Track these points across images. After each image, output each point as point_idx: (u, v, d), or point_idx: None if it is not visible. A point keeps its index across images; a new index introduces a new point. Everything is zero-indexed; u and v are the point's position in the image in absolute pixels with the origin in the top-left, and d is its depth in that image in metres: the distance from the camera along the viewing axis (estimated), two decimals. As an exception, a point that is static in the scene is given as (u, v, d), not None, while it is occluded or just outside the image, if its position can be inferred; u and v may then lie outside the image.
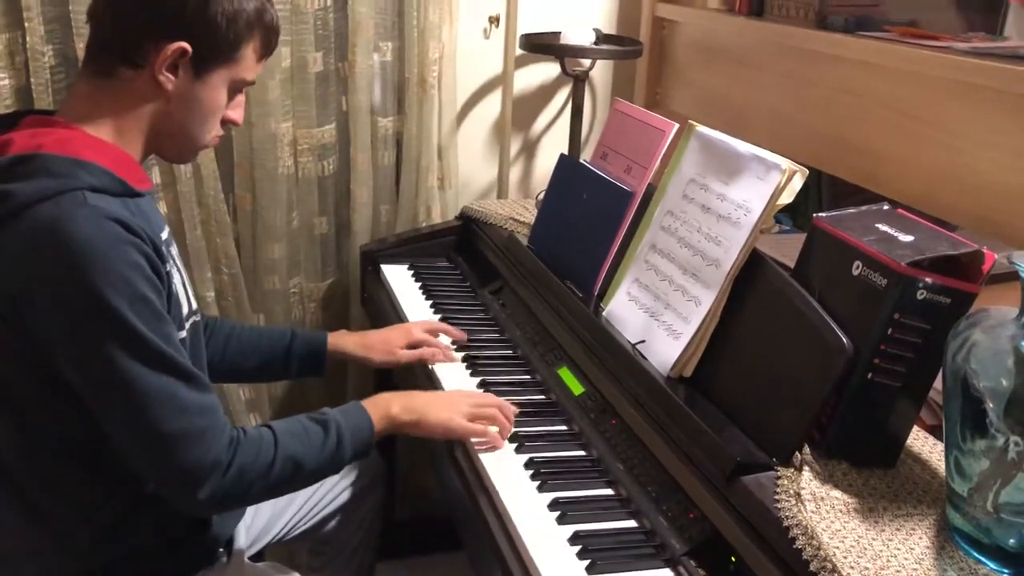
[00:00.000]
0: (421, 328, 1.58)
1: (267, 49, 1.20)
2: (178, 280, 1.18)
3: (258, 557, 1.52)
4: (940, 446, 1.11)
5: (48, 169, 1.04)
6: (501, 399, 1.35)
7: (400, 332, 1.57)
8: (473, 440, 1.29)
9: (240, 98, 1.22)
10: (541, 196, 1.81)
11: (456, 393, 1.38)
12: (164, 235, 1.18)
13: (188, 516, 1.24)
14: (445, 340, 1.59)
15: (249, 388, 2.06)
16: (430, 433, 1.29)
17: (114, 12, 1.12)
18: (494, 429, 1.30)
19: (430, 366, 1.53)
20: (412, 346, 1.55)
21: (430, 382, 1.51)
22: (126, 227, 1.04)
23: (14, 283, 1.03)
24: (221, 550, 1.32)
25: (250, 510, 1.43)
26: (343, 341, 1.55)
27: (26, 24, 1.66)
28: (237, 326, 1.52)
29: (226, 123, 1.22)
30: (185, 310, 1.20)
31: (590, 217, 1.58)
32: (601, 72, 2.28)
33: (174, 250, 1.22)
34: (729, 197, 1.26)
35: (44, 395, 1.09)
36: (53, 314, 1.03)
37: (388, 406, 1.27)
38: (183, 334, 1.18)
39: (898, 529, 0.97)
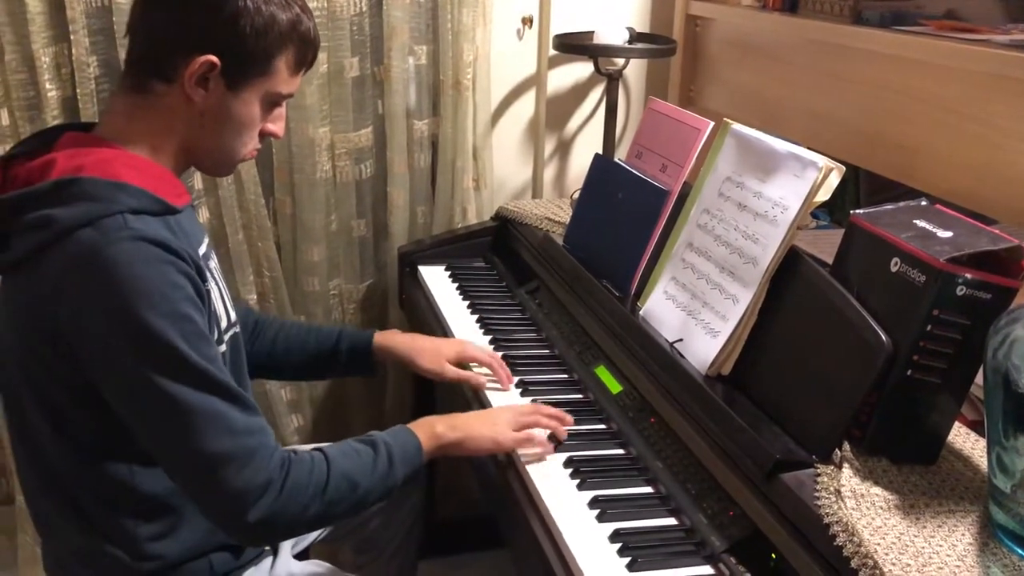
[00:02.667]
0: (476, 351, 1.53)
1: (302, 62, 1.17)
2: (216, 295, 1.18)
3: (303, 556, 1.54)
4: (982, 442, 1.10)
5: (89, 193, 1.04)
6: (540, 405, 1.34)
7: (452, 346, 1.53)
8: (523, 452, 1.28)
9: (280, 111, 1.20)
10: (576, 195, 1.82)
11: (498, 409, 1.36)
12: (203, 249, 1.18)
13: None
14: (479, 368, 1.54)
15: (291, 389, 2.10)
16: (477, 449, 1.26)
17: (146, 26, 1.12)
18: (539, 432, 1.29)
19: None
20: (460, 364, 1.51)
21: (476, 397, 1.48)
22: (167, 248, 1.04)
23: (60, 309, 1.03)
24: (267, 548, 1.34)
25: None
26: (392, 338, 1.52)
27: (72, 36, 1.70)
28: (286, 323, 1.53)
29: (265, 135, 1.20)
30: (224, 323, 1.20)
31: (626, 216, 1.59)
32: (635, 71, 2.29)
33: (212, 263, 1.22)
34: (765, 195, 1.26)
35: (94, 414, 1.10)
36: (98, 339, 1.03)
37: (432, 426, 1.25)
38: (223, 348, 1.18)
39: (940, 526, 0.97)
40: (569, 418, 1.33)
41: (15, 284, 1.10)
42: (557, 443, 1.31)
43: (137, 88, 1.12)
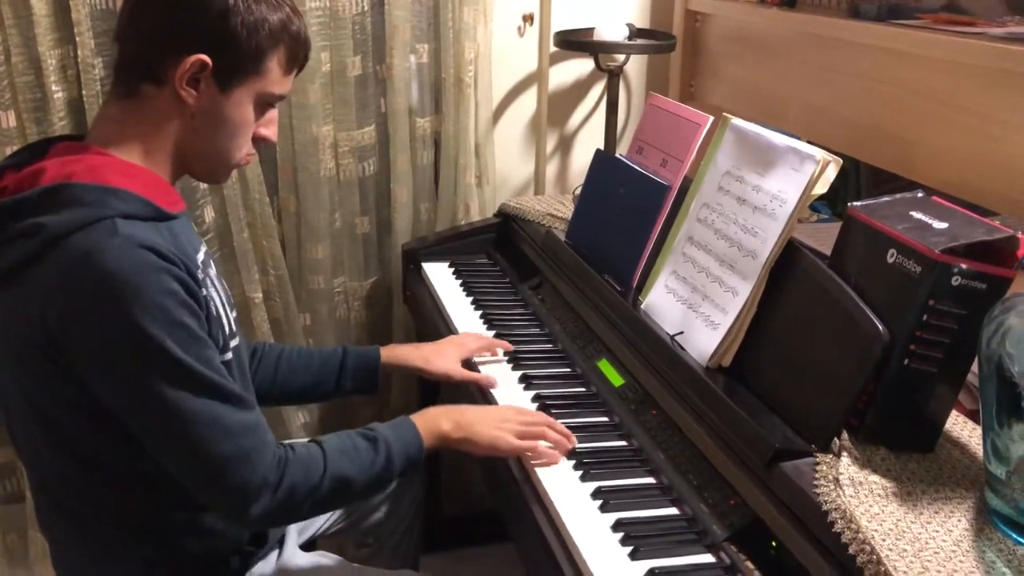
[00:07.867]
0: (475, 342, 1.57)
1: (294, 62, 1.16)
2: (217, 302, 1.16)
3: (308, 547, 1.56)
4: (979, 430, 1.11)
5: (78, 198, 1.02)
6: (550, 418, 1.32)
7: (454, 346, 1.55)
8: (530, 458, 1.27)
9: (272, 114, 1.19)
10: (578, 191, 1.83)
11: (506, 409, 1.35)
12: (200, 256, 1.16)
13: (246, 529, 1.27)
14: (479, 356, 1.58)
15: (305, 411, 2.11)
16: (476, 451, 1.27)
17: (135, 28, 1.10)
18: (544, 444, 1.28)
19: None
20: (466, 362, 1.53)
21: (480, 393, 1.49)
22: (158, 254, 1.02)
23: (51, 316, 1.01)
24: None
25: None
26: (398, 351, 1.53)
27: (77, 38, 1.72)
28: (286, 348, 1.50)
29: (258, 140, 1.19)
30: (227, 331, 1.18)
31: (627, 211, 1.60)
32: (635, 67, 2.30)
33: (212, 271, 1.19)
34: (764, 188, 1.27)
35: (88, 423, 1.09)
36: (91, 346, 1.02)
37: (438, 423, 1.26)
38: (228, 356, 1.17)
39: (937, 512, 0.98)
40: (574, 439, 1.30)
41: (7, 296, 1.06)
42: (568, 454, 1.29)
43: (127, 93, 1.11)
